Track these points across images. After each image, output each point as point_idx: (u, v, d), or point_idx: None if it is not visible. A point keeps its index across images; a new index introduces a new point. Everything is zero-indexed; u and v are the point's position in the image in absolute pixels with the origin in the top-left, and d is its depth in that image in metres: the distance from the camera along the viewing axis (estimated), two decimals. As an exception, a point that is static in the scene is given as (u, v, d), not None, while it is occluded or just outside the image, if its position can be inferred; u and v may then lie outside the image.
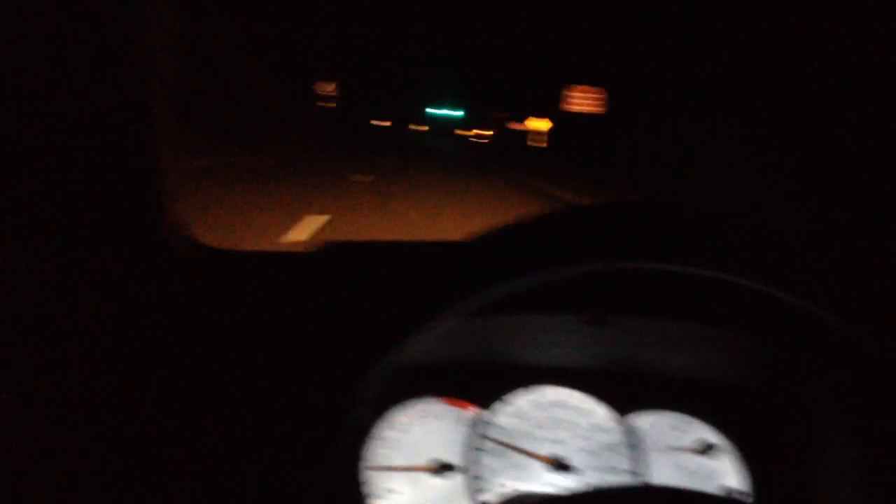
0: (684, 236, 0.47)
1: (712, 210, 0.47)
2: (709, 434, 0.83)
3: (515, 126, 43.46)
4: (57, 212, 0.47)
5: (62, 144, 0.47)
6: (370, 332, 0.43)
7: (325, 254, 0.79)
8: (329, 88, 30.65)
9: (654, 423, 0.83)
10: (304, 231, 5.87)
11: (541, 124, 29.20)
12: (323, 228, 6.20)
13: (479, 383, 0.84)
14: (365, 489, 0.80)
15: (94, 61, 0.47)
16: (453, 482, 0.81)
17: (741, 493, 0.80)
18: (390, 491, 0.80)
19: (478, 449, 0.82)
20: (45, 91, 0.45)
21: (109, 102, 0.49)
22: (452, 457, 0.82)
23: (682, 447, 0.83)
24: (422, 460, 0.81)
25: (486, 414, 0.83)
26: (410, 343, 0.42)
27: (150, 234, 0.54)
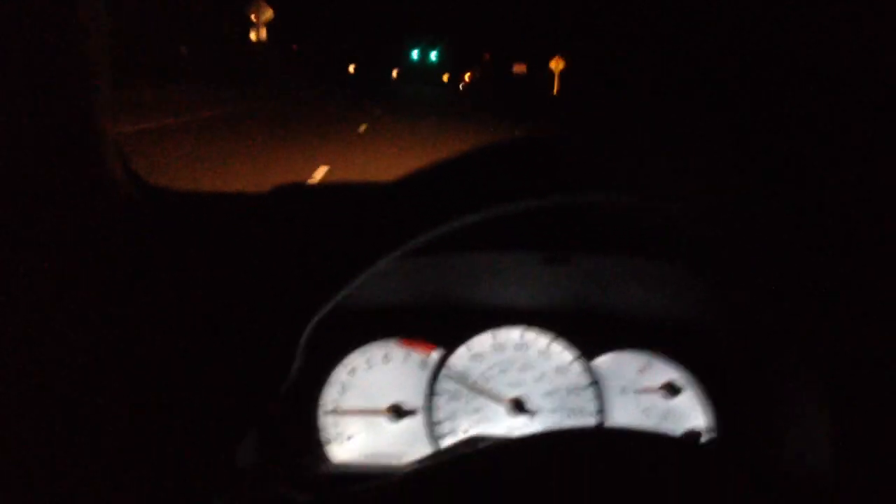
0: (632, 168, 0.47)
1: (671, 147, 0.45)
2: (674, 374, 0.81)
3: (518, 69, 41.83)
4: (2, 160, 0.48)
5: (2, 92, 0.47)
6: (314, 274, 0.44)
7: (274, 196, 0.76)
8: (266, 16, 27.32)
9: (617, 365, 0.82)
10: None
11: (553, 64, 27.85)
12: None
13: (439, 325, 0.81)
14: (320, 435, 0.78)
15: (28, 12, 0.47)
16: (412, 426, 0.79)
17: (706, 433, 0.79)
18: (347, 436, 0.79)
19: (437, 392, 0.80)
20: None
21: (48, 47, 0.48)
22: (411, 400, 0.80)
23: (646, 388, 0.81)
24: (380, 404, 0.79)
25: (445, 357, 0.81)
26: (356, 285, 0.44)
27: (99, 178, 0.52)
